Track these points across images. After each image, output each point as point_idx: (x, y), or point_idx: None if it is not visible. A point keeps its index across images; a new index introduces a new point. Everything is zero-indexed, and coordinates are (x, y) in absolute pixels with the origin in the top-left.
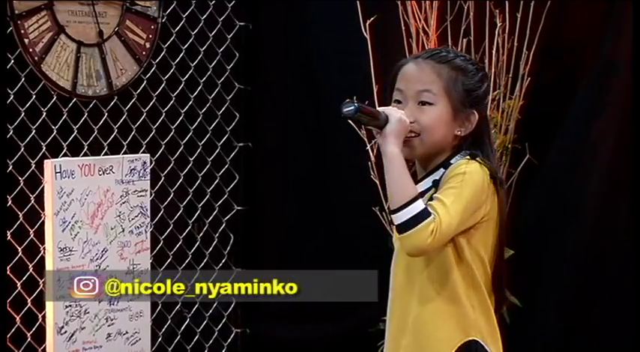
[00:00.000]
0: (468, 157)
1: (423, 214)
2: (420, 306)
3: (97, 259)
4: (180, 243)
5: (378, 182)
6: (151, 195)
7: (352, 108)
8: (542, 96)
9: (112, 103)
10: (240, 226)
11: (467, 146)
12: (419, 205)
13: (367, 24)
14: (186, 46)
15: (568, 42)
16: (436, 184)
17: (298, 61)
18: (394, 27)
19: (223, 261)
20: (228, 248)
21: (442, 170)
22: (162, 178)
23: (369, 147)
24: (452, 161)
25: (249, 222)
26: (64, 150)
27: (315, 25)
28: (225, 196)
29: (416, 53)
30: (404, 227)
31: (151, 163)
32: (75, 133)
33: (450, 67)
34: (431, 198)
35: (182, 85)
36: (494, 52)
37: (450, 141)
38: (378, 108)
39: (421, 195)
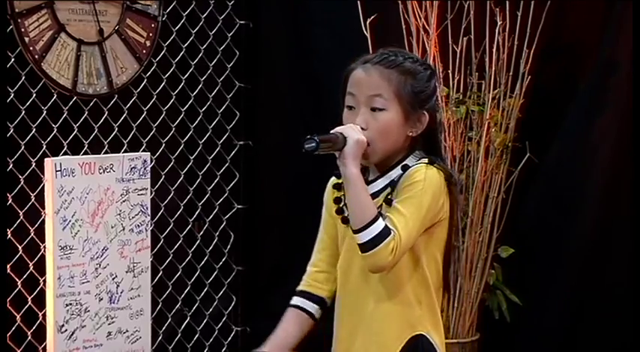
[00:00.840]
0: (426, 161)
1: (383, 234)
2: (374, 305)
3: (97, 258)
4: (180, 241)
5: None
6: (151, 193)
7: (313, 144)
8: (543, 95)
9: (112, 102)
10: (240, 225)
11: (420, 145)
12: (379, 225)
13: (367, 23)
14: (186, 45)
15: (568, 41)
16: (393, 184)
17: (298, 59)
18: (394, 26)
19: (223, 259)
20: (229, 247)
21: (399, 171)
22: (163, 177)
23: None
24: (408, 162)
25: (249, 220)
26: (65, 149)
27: (315, 24)
28: (226, 195)
29: (365, 56)
30: (366, 247)
31: (151, 162)
32: (75, 132)
33: (398, 72)
34: (387, 200)
35: (182, 84)
36: (494, 50)
37: (403, 143)
38: (335, 129)
39: (376, 194)
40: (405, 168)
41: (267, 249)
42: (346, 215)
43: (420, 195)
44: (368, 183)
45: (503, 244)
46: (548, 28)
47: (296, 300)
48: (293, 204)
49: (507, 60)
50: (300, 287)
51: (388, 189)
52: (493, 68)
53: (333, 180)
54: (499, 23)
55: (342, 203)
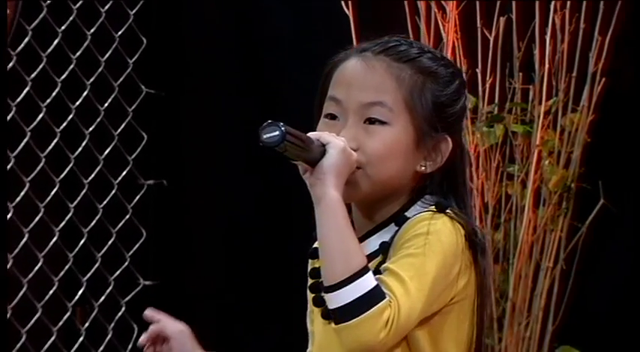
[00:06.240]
0: (434, 208)
1: (376, 295)
2: None
3: None
4: (53, 337)
5: None
6: (7, 261)
7: (277, 134)
8: (622, 108)
9: None
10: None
11: (433, 189)
12: (369, 281)
13: None
14: (63, 28)
15: None
16: (385, 248)
17: (242, 50)
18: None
19: None
20: (130, 346)
21: (394, 227)
22: (26, 236)
23: None
24: (408, 213)
25: (161, 303)
26: None
27: None
28: (125, 264)
29: (361, 45)
30: (347, 312)
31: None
32: None
33: (414, 69)
34: (378, 271)
35: (58, 89)
36: (547, 38)
37: (408, 181)
38: (309, 134)
39: None
40: (402, 221)
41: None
42: (321, 294)
43: (423, 253)
44: None
45: (562, 343)
46: (629, 3)
47: None
48: (230, 278)
49: (568, 53)
50: None
51: (380, 257)
52: (546, 66)
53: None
54: None
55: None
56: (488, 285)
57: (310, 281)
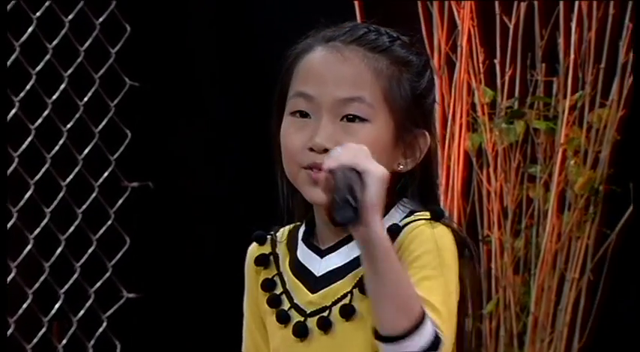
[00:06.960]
0: (428, 215)
1: (438, 340)
2: None
3: None
4: None
5: None
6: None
7: (351, 214)
8: None
9: None
10: (133, 323)
11: (413, 190)
12: (429, 327)
13: None
14: (39, 14)
15: None
16: None
17: (235, 40)
18: None
19: None
20: None
21: None
22: None
23: None
24: (396, 221)
25: (146, 318)
26: None
27: None
28: (107, 275)
29: (323, 32)
30: None
31: None
32: None
33: (390, 59)
34: (361, 285)
35: (32, 82)
36: (573, 25)
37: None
38: (332, 157)
39: (337, 274)
40: (394, 231)
41: None
42: (286, 309)
43: (441, 270)
44: (322, 254)
45: None
46: None
47: None
48: (222, 289)
49: (596, 41)
50: None
51: (359, 268)
52: (572, 56)
53: (253, 247)
54: None
55: (282, 291)
56: (468, 304)
57: (265, 294)
